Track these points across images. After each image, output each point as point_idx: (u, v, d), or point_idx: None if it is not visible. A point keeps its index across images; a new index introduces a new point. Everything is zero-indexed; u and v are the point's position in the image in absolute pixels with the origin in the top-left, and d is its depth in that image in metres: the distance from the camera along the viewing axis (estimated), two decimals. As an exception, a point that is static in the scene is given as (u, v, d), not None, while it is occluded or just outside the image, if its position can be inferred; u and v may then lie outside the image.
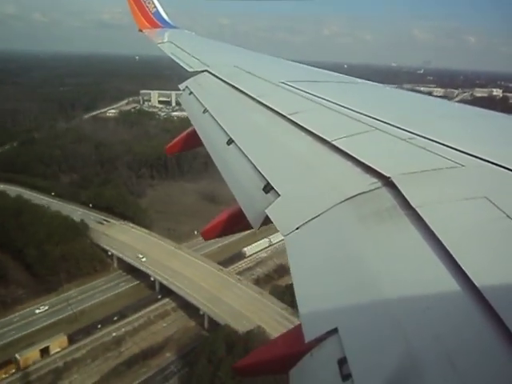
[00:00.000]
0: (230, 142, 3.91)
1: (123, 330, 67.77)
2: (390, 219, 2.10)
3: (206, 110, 5.05)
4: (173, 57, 8.55)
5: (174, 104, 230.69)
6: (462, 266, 1.61)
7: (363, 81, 5.97)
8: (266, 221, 2.75)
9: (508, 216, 1.86)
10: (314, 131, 3.37)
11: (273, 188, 2.87)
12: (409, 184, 2.27)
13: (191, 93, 6.09)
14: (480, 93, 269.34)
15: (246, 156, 3.49)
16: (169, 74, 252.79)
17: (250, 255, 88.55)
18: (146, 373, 59.77)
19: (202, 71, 6.80)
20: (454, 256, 1.66)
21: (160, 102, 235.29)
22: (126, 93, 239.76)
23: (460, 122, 3.81)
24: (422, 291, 1.63)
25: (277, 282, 77.86)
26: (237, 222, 3.61)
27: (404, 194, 2.16)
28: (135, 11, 13.98)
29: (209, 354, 55.13)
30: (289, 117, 3.82)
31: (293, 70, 7.37)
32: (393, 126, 3.26)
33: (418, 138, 2.95)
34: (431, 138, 2.90)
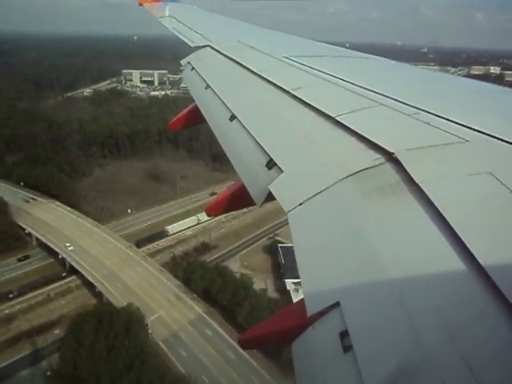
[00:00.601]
0: (233, 117, 3.88)
1: (18, 307, 63.99)
2: (394, 195, 2.10)
3: (208, 86, 5.01)
4: (175, 32, 8.40)
5: (156, 83, 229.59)
6: (465, 241, 1.62)
7: (368, 55, 5.83)
8: (270, 197, 2.71)
9: None
10: (317, 107, 3.33)
11: (276, 164, 2.86)
12: (412, 160, 2.26)
13: (193, 68, 5.99)
14: (477, 70, 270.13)
15: (249, 132, 3.47)
16: (163, 54, 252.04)
17: (174, 233, 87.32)
18: (27, 350, 58.94)
19: (204, 46, 6.70)
20: (457, 232, 1.67)
21: (143, 81, 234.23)
22: (112, 73, 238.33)
23: (465, 97, 3.78)
24: (424, 267, 1.65)
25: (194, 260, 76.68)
26: (240, 199, 3.58)
27: (407, 170, 2.16)
28: None
29: (77, 331, 54.48)
30: (292, 92, 3.79)
31: (296, 45, 7.28)
32: (397, 101, 3.22)
33: (423, 113, 2.91)
34: (436, 113, 2.86)
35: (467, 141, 2.41)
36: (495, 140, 2.38)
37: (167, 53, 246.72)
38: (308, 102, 3.49)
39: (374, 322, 1.58)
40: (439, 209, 1.82)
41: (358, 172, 2.36)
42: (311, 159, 2.82)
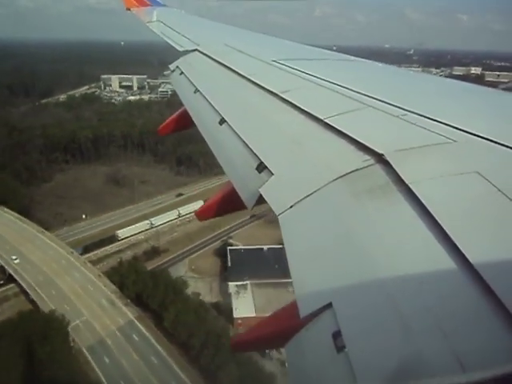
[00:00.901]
0: (222, 121, 3.89)
1: None
2: (384, 196, 2.13)
3: (197, 90, 5.02)
4: (163, 36, 8.43)
5: (135, 88, 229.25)
6: (454, 240, 1.64)
7: (356, 58, 5.88)
8: (260, 200, 2.72)
9: (499, 190, 1.89)
10: (306, 109, 3.36)
11: (266, 167, 2.88)
12: (402, 160, 2.29)
13: (182, 73, 5.98)
14: (459, 71, 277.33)
15: (239, 135, 3.48)
16: (150, 59, 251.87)
17: (124, 238, 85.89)
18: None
19: (193, 50, 6.74)
20: (446, 231, 1.70)
21: (122, 86, 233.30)
22: (93, 78, 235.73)
23: (452, 98, 3.82)
24: (415, 266, 1.67)
25: (142, 265, 75.21)
26: (231, 202, 3.58)
27: (397, 171, 2.19)
28: None
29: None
30: (281, 95, 3.81)
31: (284, 48, 7.30)
32: (385, 102, 3.26)
33: (411, 114, 2.96)
34: (423, 114, 2.91)
35: (455, 141, 2.45)
36: (482, 140, 2.41)
37: (154, 58, 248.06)
38: (297, 104, 3.49)
39: (367, 321, 1.58)
40: (429, 209, 1.84)
41: (347, 174, 2.37)
42: (301, 161, 2.81)
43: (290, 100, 3.64)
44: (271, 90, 4.00)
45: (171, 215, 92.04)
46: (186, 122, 5.19)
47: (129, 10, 12.97)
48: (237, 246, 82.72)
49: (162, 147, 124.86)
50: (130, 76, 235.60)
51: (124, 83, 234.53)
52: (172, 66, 6.49)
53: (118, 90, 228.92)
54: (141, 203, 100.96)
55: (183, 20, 11.91)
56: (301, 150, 2.95)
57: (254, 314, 60.11)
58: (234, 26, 10.92)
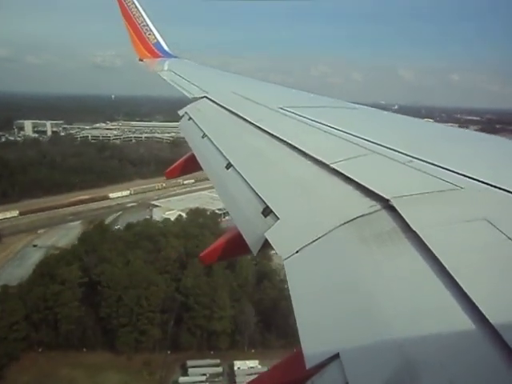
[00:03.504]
0: (229, 166, 3.92)
1: None
2: (391, 242, 2.09)
3: (204, 135, 5.08)
4: (173, 84, 8.81)
5: (49, 133, 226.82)
6: (464, 288, 1.60)
7: (361, 106, 5.99)
8: (266, 244, 2.69)
9: (509, 238, 1.86)
10: (312, 155, 3.36)
11: (272, 211, 2.86)
12: (408, 206, 2.27)
13: (190, 118, 6.14)
14: None
15: (245, 180, 3.49)
16: (119, 110, 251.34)
17: None
18: None
19: (201, 97, 6.92)
20: (456, 279, 1.65)
21: (37, 131, 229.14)
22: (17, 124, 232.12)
23: (458, 145, 3.84)
24: (424, 315, 1.61)
25: None
26: (236, 246, 3.56)
27: (404, 217, 2.16)
28: (135, 41, 14.16)
29: None
30: (287, 141, 3.83)
31: (291, 96, 7.44)
32: (391, 149, 3.25)
33: (417, 161, 2.95)
34: (430, 161, 2.90)
35: (462, 188, 2.42)
36: (489, 187, 2.39)
37: (122, 111, 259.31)
38: (303, 150, 3.49)
39: (376, 374, 1.50)
40: (437, 256, 1.79)
41: (354, 219, 2.34)
42: (307, 206, 2.79)
43: (296, 146, 3.62)
44: (278, 135, 4.01)
45: None
46: (193, 165, 5.22)
47: (141, 60, 13.61)
48: None
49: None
50: (43, 121, 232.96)
51: (39, 128, 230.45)
52: (181, 112, 6.64)
53: (30, 134, 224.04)
54: None
55: (193, 69, 12.22)
56: (307, 195, 2.93)
57: None
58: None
